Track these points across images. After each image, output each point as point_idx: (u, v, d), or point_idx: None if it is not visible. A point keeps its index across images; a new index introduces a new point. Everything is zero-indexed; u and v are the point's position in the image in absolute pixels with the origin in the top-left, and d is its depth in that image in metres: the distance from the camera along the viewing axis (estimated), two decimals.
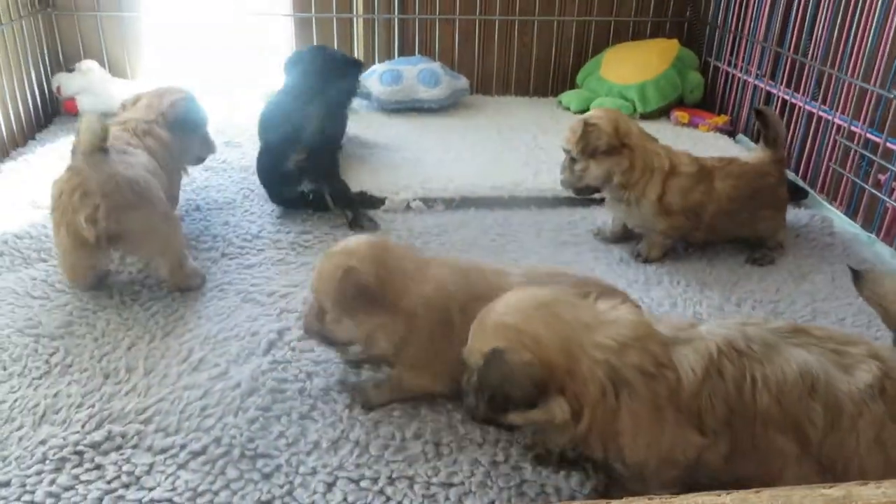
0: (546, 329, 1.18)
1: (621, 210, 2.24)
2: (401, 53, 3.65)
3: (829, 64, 2.78)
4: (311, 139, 2.32)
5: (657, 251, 2.24)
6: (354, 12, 3.56)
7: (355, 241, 1.53)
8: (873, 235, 2.43)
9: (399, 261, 1.50)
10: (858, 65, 2.62)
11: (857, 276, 1.28)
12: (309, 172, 2.32)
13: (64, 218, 1.79)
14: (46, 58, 3.26)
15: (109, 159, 1.82)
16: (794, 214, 2.56)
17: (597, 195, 2.31)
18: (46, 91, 3.24)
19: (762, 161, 2.25)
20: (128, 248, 1.93)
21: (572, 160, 2.18)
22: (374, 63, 3.56)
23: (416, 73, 3.40)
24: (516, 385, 1.16)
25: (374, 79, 3.40)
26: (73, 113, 3.22)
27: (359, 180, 2.59)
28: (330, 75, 2.71)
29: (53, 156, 2.80)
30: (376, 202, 2.50)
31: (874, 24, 2.54)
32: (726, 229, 2.26)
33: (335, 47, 3.57)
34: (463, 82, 3.53)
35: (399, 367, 1.57)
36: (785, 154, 2.31)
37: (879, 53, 2.53)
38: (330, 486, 1.37)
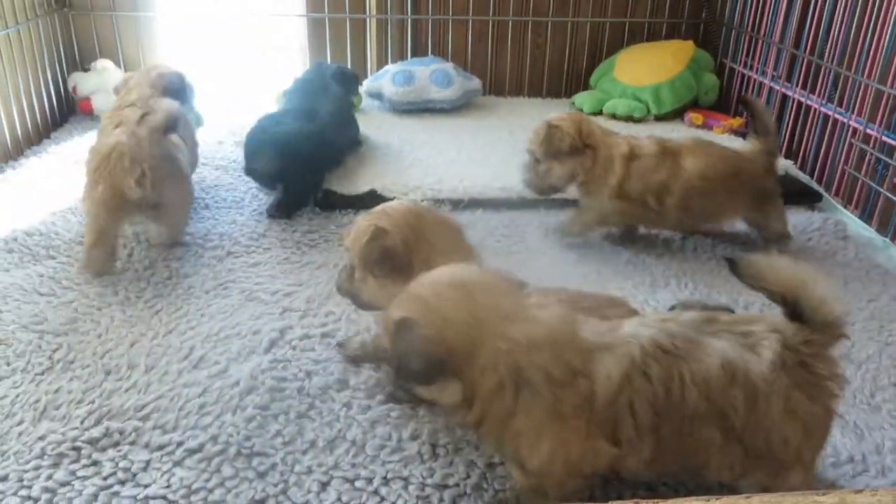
0: (455, 309, 1.15)
1: (584, 202, 2.29)
2: (413, 54, 3.64)
3: (845, 65, 2.74)
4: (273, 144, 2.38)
5: (577, 227, 2.28)
6: (367, 13, 3.57)
7: (395, 203, 1.55)
8: (888, 240, 2.39)
9: (432, 230, 1.49)
10: (875, 66, 2.57)
11: (733, 264, 1.26)
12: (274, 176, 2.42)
13: (112, 178, 1.93)
14: (62, 57, 3.30)
15: (165, 140, 2.07)
16: (806, 218, 2.52)
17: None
18: (62, 90, 3.27)
19: (749, 150, 2.25)
20: (156, 216, 2.08)
21: (536, 161, 2.23)
22: (386, 64, 3.57)
23: (429, 74, 3.40)
24: (413, 359, 1.14)
25: (386, 79, 3.40)
26: (88, 112, 3.25)
27: (369, 180, 2.59)
28: (316, 91, 2.74)
29: (68, 155, 2.84)
30: (384, 202, 2.49)
31: (892, 25, 2.50)
32: (704, 211, 2.24)
33: (347, 48, 3.58)
34: (475, 83, 3.52)
35: None
36: (776, 146, 2.29)
37: None
38: (324, 486, 1.36)
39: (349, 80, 2.97)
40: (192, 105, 2.56)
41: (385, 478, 1.38)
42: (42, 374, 1.63)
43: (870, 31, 2.62)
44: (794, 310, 1.18)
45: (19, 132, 2.88)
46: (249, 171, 2.46)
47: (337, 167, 2.70)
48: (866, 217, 2.56)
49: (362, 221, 1.52)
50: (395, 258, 1.44)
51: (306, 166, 2.41)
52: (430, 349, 1.13)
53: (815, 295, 1.17)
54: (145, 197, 1.94)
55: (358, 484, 1.37)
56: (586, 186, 2.21)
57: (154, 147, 2.00)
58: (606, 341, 1.19)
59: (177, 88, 2.38)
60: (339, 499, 1.34)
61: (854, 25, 2.70)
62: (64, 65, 3.31)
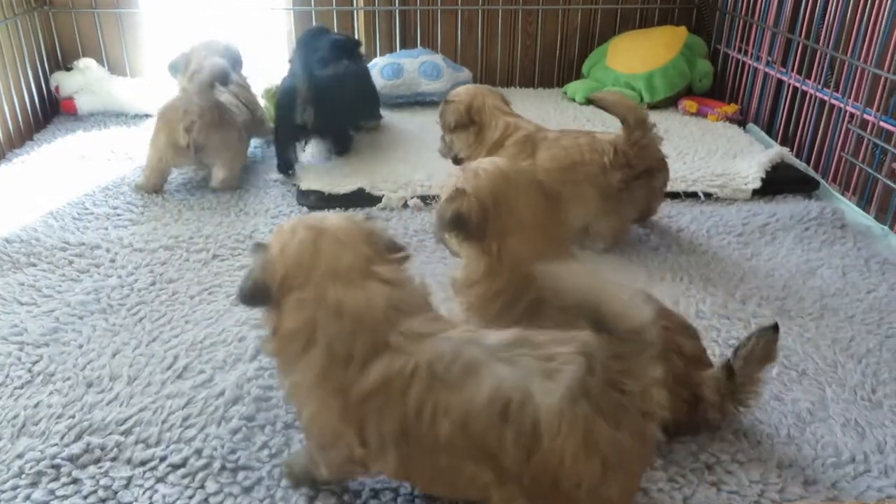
0: (296, 249, 1.19)
1: None
2: (402, 46, 3.58)
3: (841, 49, 2.69)
4: (308, 86, 2.49)
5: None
6: (355, 4, 3.51)
7: (490, 164, 1.50)
8: (887, 227, 2.35)
9: (520, 200, 1.44)
10: (872, 50, 2.52)
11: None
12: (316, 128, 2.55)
13: (167, 126, 2.39)
14: (44, 56, 3.24)
15: (214, 92, 2.46)
16: (803, 206, 2.48)
17: None
18: (44, 90, 3.21)
19: (612, 139, 2.09)
20: (207, 157, 2.46)
21: (443, 134, 2.33)
22: (375, 56, 3.51)
23: (418, 66, 3.34)
24: (246, 281, 1.21)
25: (375, 72, 3.34)
26: (72, 113, 3.19)
27: (357, 177, 2.54)
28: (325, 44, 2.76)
29: (51, 157, 2.78)
30: (373, 200, 2.45)
31: (889, 8, 2.45)
32: None
33: None
34: (465, 74, 3.46)
35: None
36: (641, 138, 2.06)
37: (894, 38, 2.43)
38: (311, 500, 1.32)
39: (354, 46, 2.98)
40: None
41: (374, 490, 1.34)
42: (21, 387, 1.58)
43: (866, 14, 2.57)
44: (597, 322, 1.00)
45: (0, 135, 2.82)
46: (291, 124, 2.54)
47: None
48: (864, 204, 2.52)
49: (453, 175, 1.50)
50: (466, 226, 1.41)
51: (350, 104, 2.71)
52: (260, 277, 1.19)
53: (615, 301, 1.00)
54: (191, 141, 2.37)
55: (346, 497, 1.33)
56: (469, 161, 2.15)
57: (201, 99, 2.40)
58: (403, 346, 1.12)
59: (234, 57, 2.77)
60: None
61: (850, 8, 2.65)
62: (45, 64, 3.24)
